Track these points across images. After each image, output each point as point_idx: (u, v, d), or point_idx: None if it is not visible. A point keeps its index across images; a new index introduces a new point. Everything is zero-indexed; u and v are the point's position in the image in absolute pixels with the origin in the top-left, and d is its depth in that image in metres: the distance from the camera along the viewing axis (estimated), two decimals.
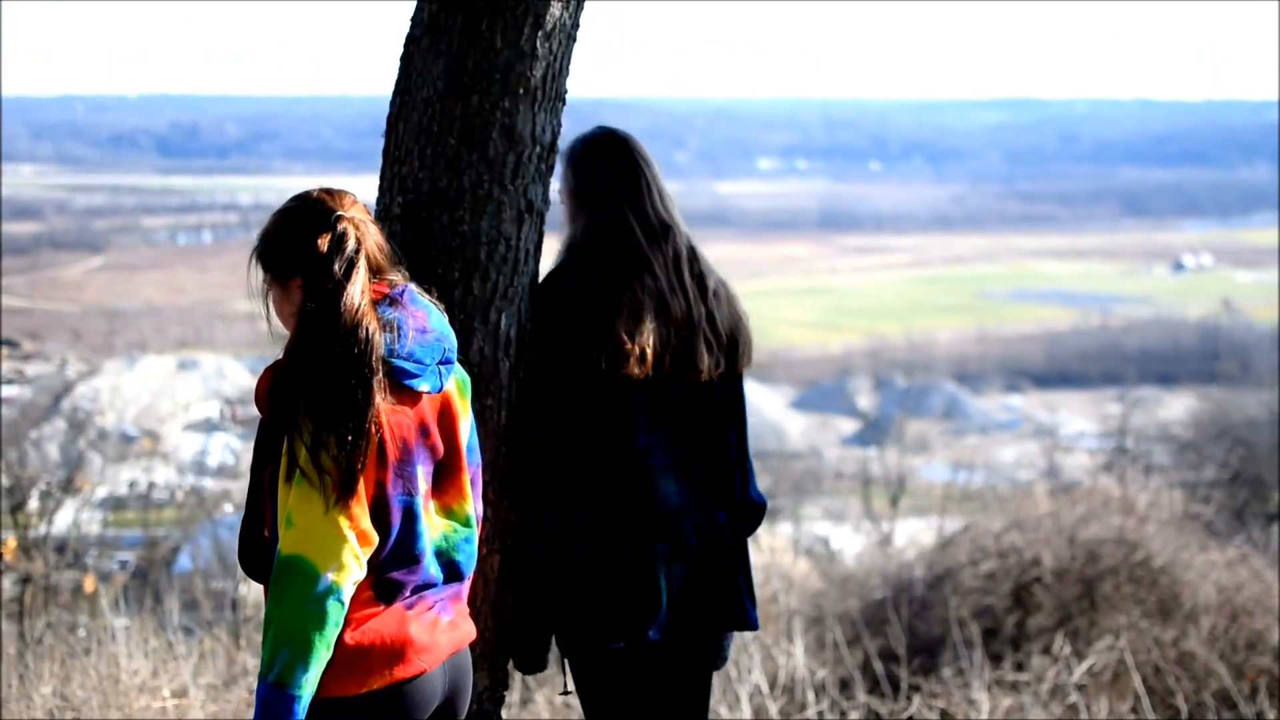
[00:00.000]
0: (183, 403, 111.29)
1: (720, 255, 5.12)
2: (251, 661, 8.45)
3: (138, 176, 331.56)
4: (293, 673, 3.40)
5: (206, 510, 41.45)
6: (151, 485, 53.12)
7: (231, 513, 39.83)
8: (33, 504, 41.90)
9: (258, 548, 3.64)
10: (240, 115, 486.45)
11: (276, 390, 3.57)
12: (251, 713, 4.91)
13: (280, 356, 3.65)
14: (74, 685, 7.42)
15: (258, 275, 3.80)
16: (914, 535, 34.03)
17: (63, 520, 41.81)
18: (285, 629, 3.42)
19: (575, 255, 4.79)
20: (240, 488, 45.65)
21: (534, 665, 4.75)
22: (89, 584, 39.94)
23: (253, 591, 31.95)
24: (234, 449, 75.60)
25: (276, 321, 3.81)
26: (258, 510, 3.63)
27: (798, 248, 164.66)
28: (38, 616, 31.84)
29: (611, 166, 4.81)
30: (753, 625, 4.72)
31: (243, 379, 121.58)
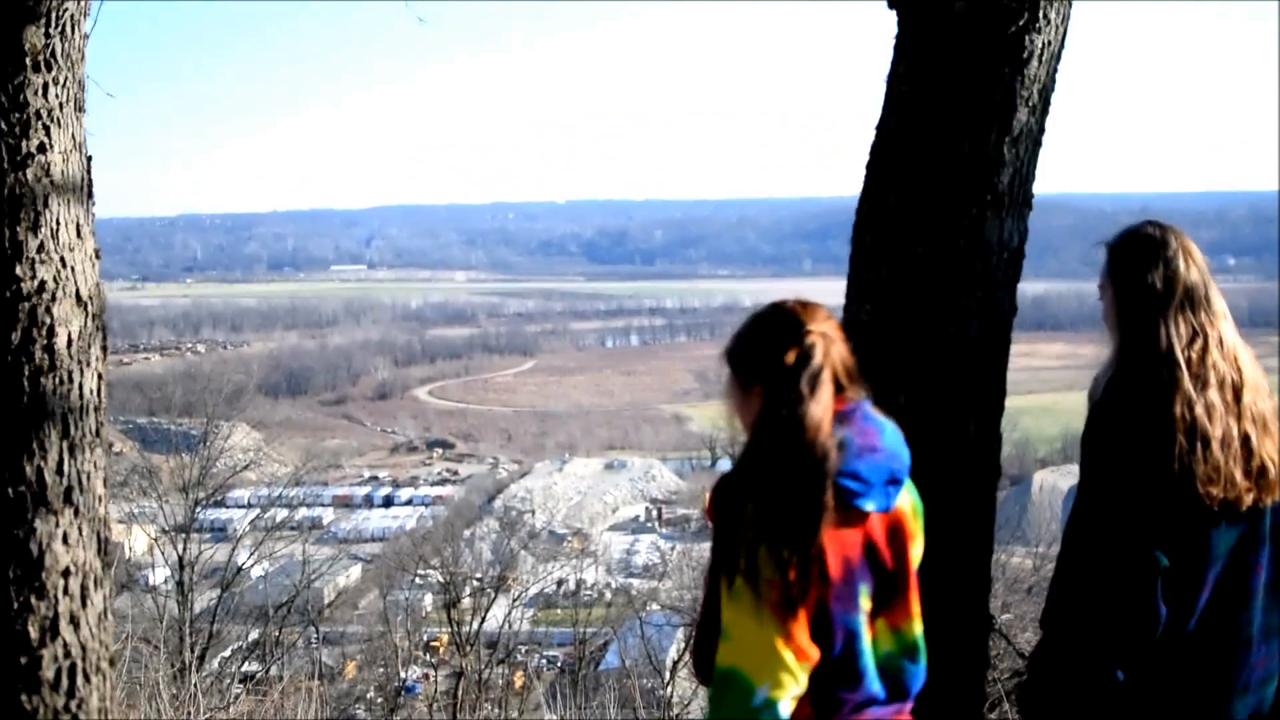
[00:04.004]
0: (610, 503, 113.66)
1: None
2: None
3: (567, 281, 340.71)
4: None
5: (634, 609, 41.82)
6: (580, 584, 54.25)
7: (658, 611, 40.19)
8: (466, 601, 43.37)
9: (712, 654, 3.54)
10: (667, 220, 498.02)
11: (723, 498, 3.52)
12: None
13: (732, 466, 3.62)
14: None
15: (724, 372, 3.74)
16: None
17: (495, 617, 43.08)
18: None
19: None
20: (666, 588, 46.10)
21: None
22: (519, 679, 41.01)
23: (679, 689, 32.18)
24: (660, 549, 76.55)
25: (738, 423, 3.73)
26: (712, 617, 3.54)
27: None
28: (470, 710, 32.83)
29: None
30: None
31: (669, 481, 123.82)
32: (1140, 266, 4.31)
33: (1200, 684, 4.23)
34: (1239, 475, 4.10)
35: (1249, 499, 4.14)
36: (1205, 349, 4.21)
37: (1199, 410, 4.10)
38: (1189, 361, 4.17)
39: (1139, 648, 4.18)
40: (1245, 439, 4.15)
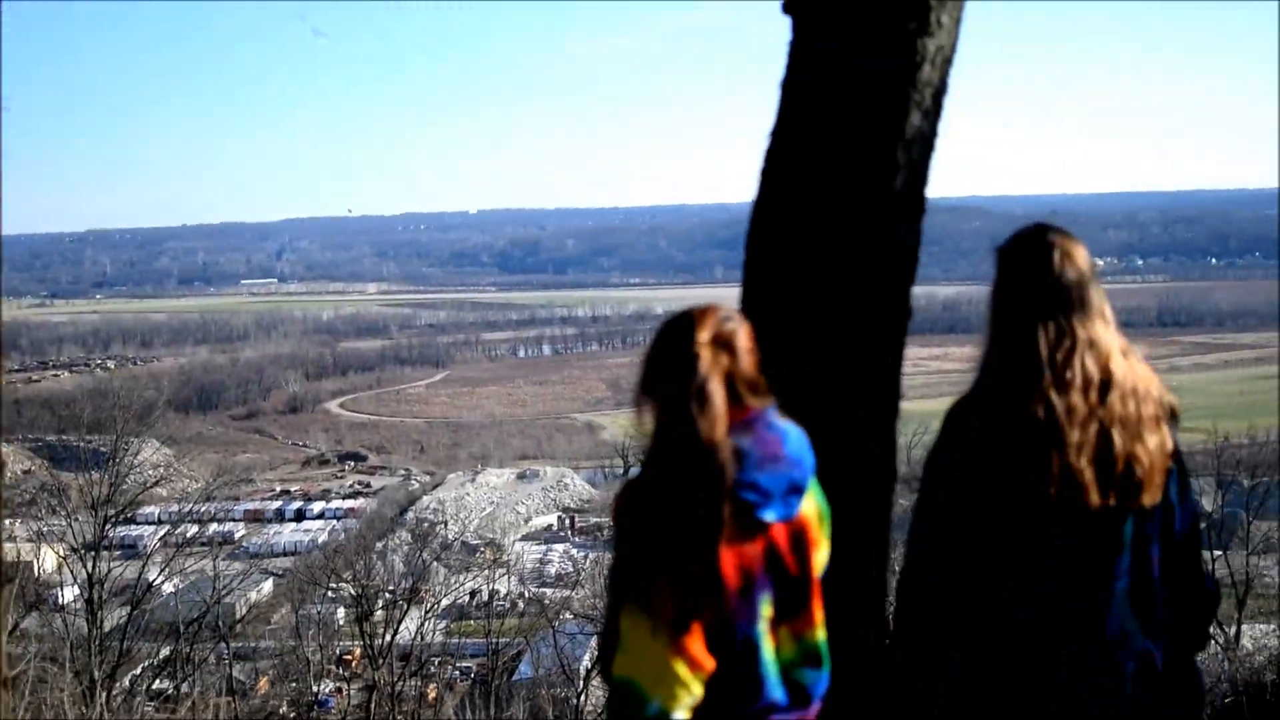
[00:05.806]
0: (523, 513, 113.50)
1: None
2: None
3: (479, 292, 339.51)
4: None
5: (547, 618, 41.81)
6: (493, 594, 54.16)
7: (571, 620, 40.23)
8: (378, 614, 43.22)
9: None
10: (579, 229, 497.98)
11: (623, 509, 3.55)
12: None
13: (634, 477, 3.62)
14: None
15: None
16: (1261, 639, 32.87)
17: (407, 629, 42.96)
18: None
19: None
20: (579, 597, 46.11)
21: None
22: (432, 691, 40.93)
23: (593, 698, 32.31)
24: (573, 558, 76.42)
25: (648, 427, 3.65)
26: (614, 625, 3.53)
27: (1137, 347, 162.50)
28: None
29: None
30: None
31: (582, 490, 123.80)
32: (1014, 271, 4.25)
33: (1055, 685, 4.18)
34: (1092, 478, 4.06)
35: (1101, 501, 4.08)
36: (1072, 350, 4.14)
37: (1059, 413, 4.06)
38: (1053, 363, 4.11)
39: (981, 639, 4.18)
40: (1107, 442, 4.09)
